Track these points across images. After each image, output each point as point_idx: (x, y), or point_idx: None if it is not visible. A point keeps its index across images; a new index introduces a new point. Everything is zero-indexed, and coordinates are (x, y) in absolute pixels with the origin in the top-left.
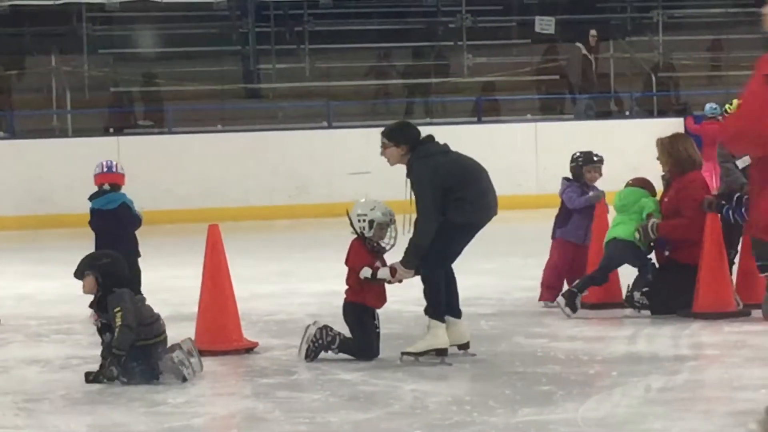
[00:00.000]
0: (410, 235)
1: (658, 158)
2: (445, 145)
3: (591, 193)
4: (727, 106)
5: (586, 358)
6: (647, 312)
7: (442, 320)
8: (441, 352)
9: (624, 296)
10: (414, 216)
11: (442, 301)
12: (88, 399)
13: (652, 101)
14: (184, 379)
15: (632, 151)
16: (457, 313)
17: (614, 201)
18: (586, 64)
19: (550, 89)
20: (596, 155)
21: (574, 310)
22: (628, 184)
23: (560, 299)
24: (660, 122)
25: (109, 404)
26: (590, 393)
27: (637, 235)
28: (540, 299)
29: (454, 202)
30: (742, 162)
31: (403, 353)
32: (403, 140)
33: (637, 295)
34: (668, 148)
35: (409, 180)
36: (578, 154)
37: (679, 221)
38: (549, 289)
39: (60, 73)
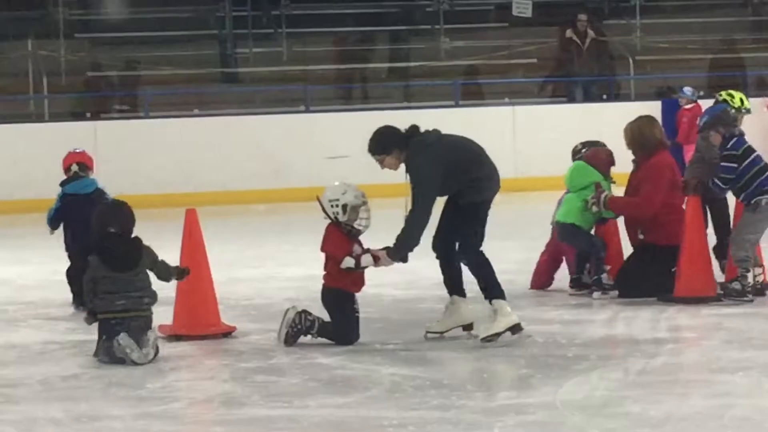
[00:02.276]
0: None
1: (627, 145)
2: (437, 131)
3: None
4: (725, 94)
5: (565, 341)
6: (615, 293)
7: (504, 297)
8: (515, 329)
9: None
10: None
11: (497, 279)
12: (66, 384)
13: (630, 84)
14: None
15: (610, 134)
16: (462, 293)
17: (564, 176)
18: (573, 47)
19: (529, 73)
20: (602, 143)
21: (606, 290)
22: (580, 157)
23: (570, 290)
24: (638, 105)
25: (86, 389)
26: (568, 376)
27: (594, 208)
28: (533, 287)
29: (470, 183)
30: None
31: (483, 339)
32: (391, 146)
33: (604, 278)
34: (631, 133)
35: (408, 174)
36: (580, 145)
37: (630, 199)
38: (548, 279)
39: (36, 58)
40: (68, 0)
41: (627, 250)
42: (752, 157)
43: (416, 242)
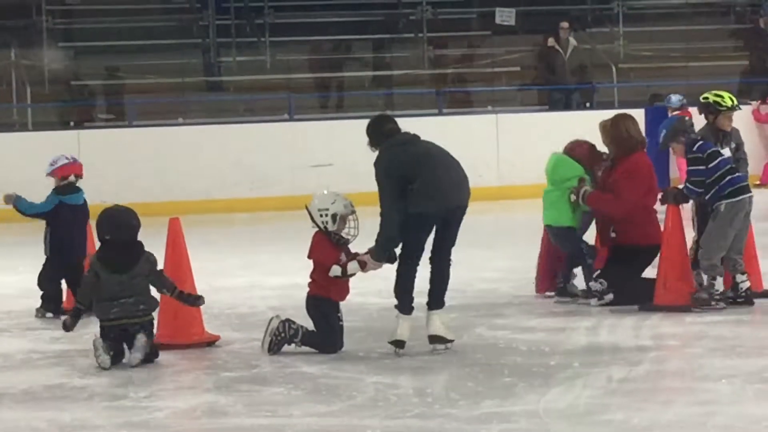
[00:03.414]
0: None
1: (603, 140)
2: (409, 136)
3: (584, 188)
4: (712, 96)
5: (548, 349)
6: (610, 297)
7: (406, 313)
8: (397, 344)
9: (559, 288)
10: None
11: (409, 293)
12: (49, 394)
13: (613, 92)
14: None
15: (595, 142)
16: (429, 305)
17: (546, 166)
18: (555, 55)
19: (512, 81)
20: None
21: (575, 296)
22: (565, 150)
23: (557, 298)
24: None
25: (70, 399)
26: (552, 384)
27: (573, 197)
28: (539, 291)
29: (409, 193)
30: (724, 152)
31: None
32: (369, 135)
33: (594, 285)
34: (610, 130)
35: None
36: None
37: (607, 196)
38: (552, 280)
39: (19, 67)
40: (52, 9)
41: None
42: (717, 160)
43: (393, 240)
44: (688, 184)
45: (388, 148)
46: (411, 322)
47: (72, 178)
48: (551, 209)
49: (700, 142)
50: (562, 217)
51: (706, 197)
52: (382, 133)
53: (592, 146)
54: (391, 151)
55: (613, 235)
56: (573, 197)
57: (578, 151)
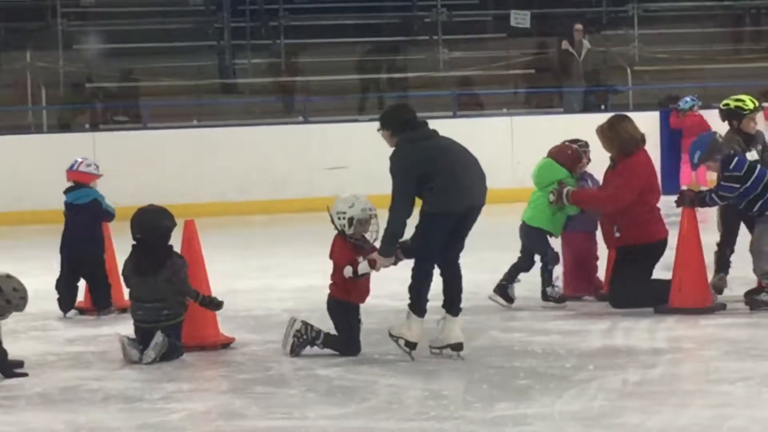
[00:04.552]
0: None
1: (603, 145)
2: (429, 132)
3: (566, 188)
4: (733, 101)
5: (563, 351)
6: (563, 305)
7: (419, 315)
8: (409, 345)
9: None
10: None
11: (424, 294)
12: (65, 396)
13: (628, 95)
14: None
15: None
16: (452, 311)
17: (532, 173)
18: (569, 58)
19: (529, 83)
20: (578, 140)
21: (509, 300)
22: (550, 153)
23: (492, 294)
24: (636, 116)
25: (85, 401)
26: (567, 387)
27: (551, 197)
28: (567, 293)
29: (426, 192)
30: (751, 155)
31: (390, 335)
32: (387, 124)
33: (549, 290)
34: (608, 133)
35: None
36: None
37: (596, 193)
38: (570, 283)
39: (35, 69)
40: (67, 11)
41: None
42: (757, 171)
43: (397, 236)
44: (714, 196)
45: (407, 142)
46: (423, 324)
47: (71, 183)
48: (531, 208)
49: (737, 159)
50: (538, 218)
51: (757, 204)
52: (401, 122)
53: (576, 150)
54: (409, 147)
55: (617, 234)
56: (552, 198)
57: (562, 155)
